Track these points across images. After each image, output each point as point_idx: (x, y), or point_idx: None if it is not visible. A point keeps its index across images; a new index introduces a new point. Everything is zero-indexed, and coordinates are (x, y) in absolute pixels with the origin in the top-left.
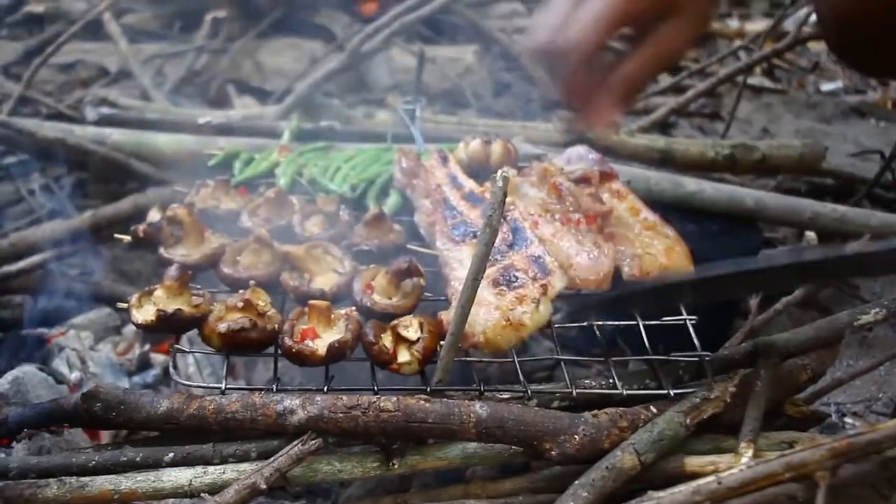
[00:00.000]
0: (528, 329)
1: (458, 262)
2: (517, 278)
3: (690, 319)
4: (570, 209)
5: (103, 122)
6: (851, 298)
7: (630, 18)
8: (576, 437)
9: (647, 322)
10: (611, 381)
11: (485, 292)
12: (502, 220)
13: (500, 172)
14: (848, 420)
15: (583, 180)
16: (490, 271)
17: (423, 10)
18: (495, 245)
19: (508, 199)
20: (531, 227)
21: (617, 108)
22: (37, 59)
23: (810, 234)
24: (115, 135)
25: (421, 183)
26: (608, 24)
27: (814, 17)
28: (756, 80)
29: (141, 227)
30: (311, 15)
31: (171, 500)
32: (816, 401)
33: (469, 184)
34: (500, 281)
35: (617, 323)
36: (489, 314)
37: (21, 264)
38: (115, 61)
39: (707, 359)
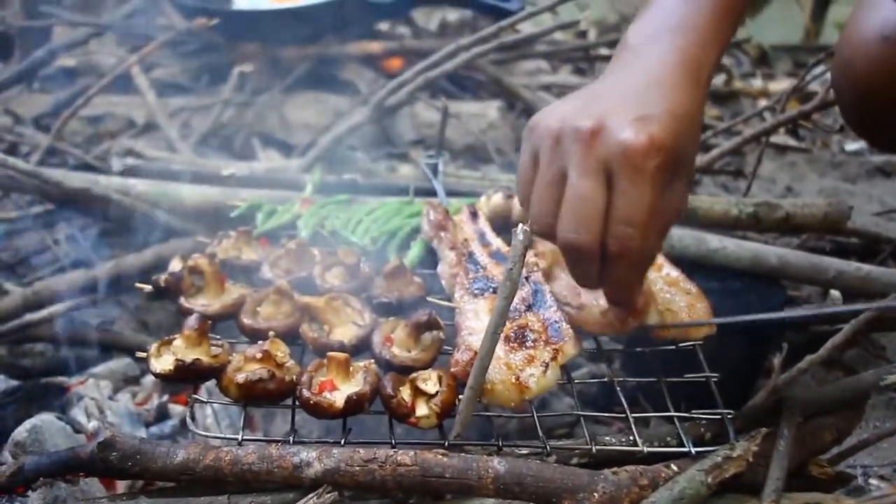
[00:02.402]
0: (532, 392)
1: (474, 313)
2: (530, 338)
3: (713, 376)
4: None
5: (128, 172)
6: (877, 359)
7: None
8: (595, 494)
9: (668, 379)
10: (631, 438)
11: (497, 347)
12: (525, 281)
13: (520, 227)
14: (874, 482)
15: None
16: (505, 327)
17: (446, 65)
18: (514, 305)
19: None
20: (574, 298)
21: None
22: (66, 111)
23: (835, 293)
24: (140, 185)
25: (448, 236)
26: (656, 213)
27: None
28: (780, 138)
29: (162, 277)
30: (337, 70)
31: None
32: (842, 462)
33: (497, 242)
34: (513, 338)
35: (638, 379)
36: (498, 369)
37: (44, 313)
38: (143, 114)
39: (729, 417)
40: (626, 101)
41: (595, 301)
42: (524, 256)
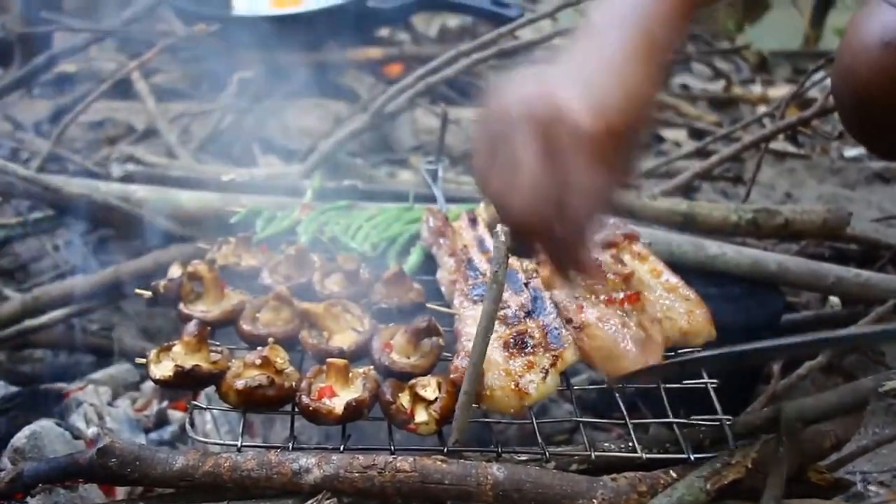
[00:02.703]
0: (531, 399)
1: (473, 319)
2: (529, 344)
3: (712, 383)
4: (613, 289)
5: (128, 178)
6: (876, 365)
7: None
8: (594, 500)
9: (667, 385)
10: (630, 444)
11: (496, 353)
12: (524, 288)
13: (500, 227)
14: (873, 489)
15: (610, 246)
16: (503, 333)
17: (446, 71)
18: (513, 311)
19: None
20: (576, 311)
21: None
22: (66, 116)
23: (834, 299)
24: (140, 191)
25: (447, 242)
26: (607, 191)
27: None
28: (779, 144)
29: (162, 283)
30: (337, 76)
31: None
32: (841, 468)
33: None
34: (512, 344)
35: (637, 385)
36: (497, 375)
37: (43, 319)
38: (143, 119)
39: (728, 423)
40: (585, 85)
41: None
42: (507, 258)
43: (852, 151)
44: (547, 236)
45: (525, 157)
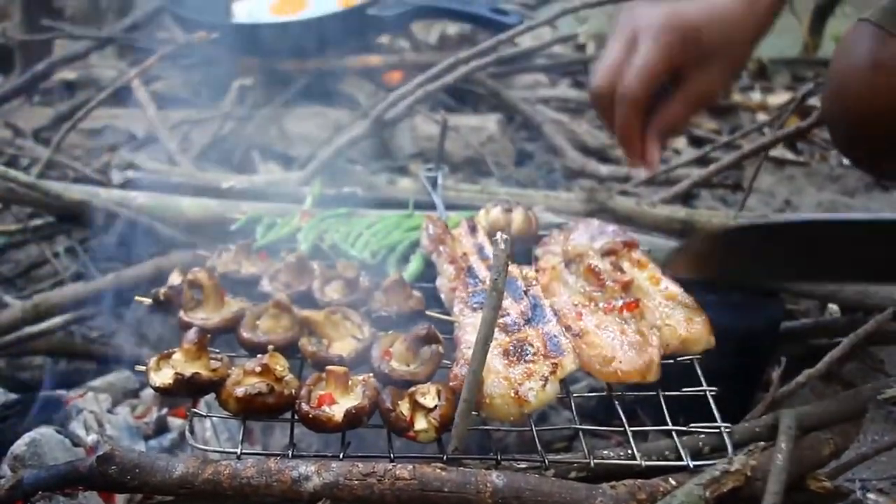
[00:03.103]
0: (531, 406)
1: (473, 327)
2: (529, 352)
3: (711, 390)
4: (612, 296)
5: (129, 185)
6: (876, 372)
7: (674, 66)
8: None
9: (667, 393)
10: (629, 452)
11: (495, 360)
12: (524, 295)
13: (500, 235)
14: (872, 496)
15: (609, 254)
16: (503, 341)
17: (446, 79)
18: (513, 318)
19: (556, 287)
20: (575, 318)
21: (659, 146)
22: (66, 123)
23: (833, 307)
24: (140, 198)
25: (447, 250)
26: (655, 73)
27: None
28: (778, 152)
29: (162, 291)
30: (337, 83)
31: None
32: (840, 476)
33: None
34: (512, 352)
35: (636, 393)
36: (497, 383)
37: (43, 326)
38: (143, 127)
39: (727, 431)
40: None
41: (595, 327)
42: (507, 266)
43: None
44: (605, 103)
45: (614, 40)
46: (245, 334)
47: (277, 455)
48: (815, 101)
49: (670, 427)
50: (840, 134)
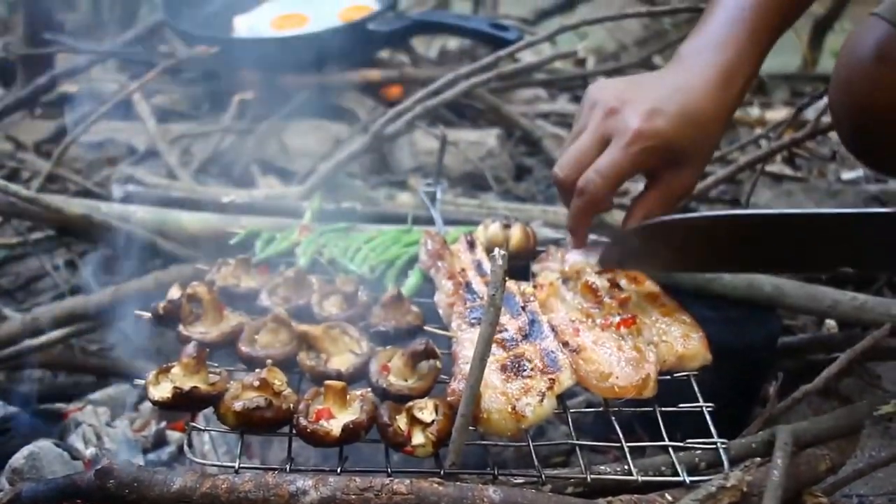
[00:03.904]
0: (528, 421)
1: (471, 342)
2: (526, 368)
3: (707, 406)
4: (609, 312)
5: (129, 199)
6: (873, 388)
7: (641, 170)
8: None
9: (663, 408)
10: (626, 467)
11: (493, 376)
12: (521, 311)
13: (497, 251)
14: None
15: (607, 270)
16: (501, 356)
17: (445, 94)
18: (511, 334)
19: (554, 303)
20: (572, 334)
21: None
22: (67, 137)
23: (830, 323)
24: (140, 212)
25: (445, 265)
26: (621, 179)
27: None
28: (776, 167)
29: (161, 305)
30: (337, 98)
31: None
32: (837, 492)
33: None
34: (509, 367)
35: (633, 409)
36: (495, 398)
37: (43, 339)
38: (144, 140)
39: (724, 446)
40: (652, 95)
41: (592, 343)
42: (504, 282)
43: (849, 174)
44: (566, 192)
45: (586, 129)
46: (243, 348)
47: (275, 469)
48: (811, 114)
49: (667, 443)
50: (844, 127)
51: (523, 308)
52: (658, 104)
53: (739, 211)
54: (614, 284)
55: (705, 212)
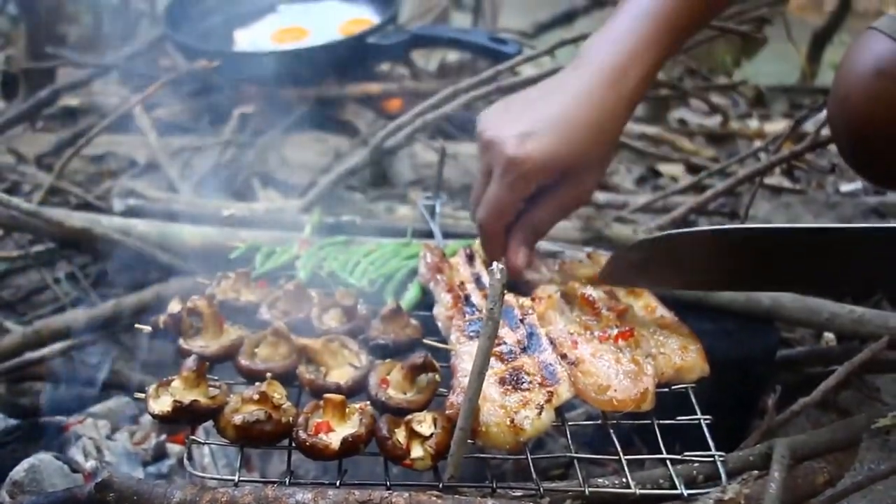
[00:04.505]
0: (527, 434)
1: (469, 355)
2: (525, 380)
3: (705, 419)
4: (607, 325)
5: (130, 212)
6: (871, 401)
7: (523, 196)
8: None
9: (661, 421)
10: (624, 480)
11: (491, 389)
12: (520, 324)
13: (496, 265)
14: None
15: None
16: (499, 369)
17: (445, 107)
18: (509, 347)
19: (552, 316)
20: (570, 347)
21: (524, 259)
22: (69, 150)
23: (828, 335)
24: (141, 225)
25: (444, 278)
26: (504, 208)
27: None
28: (775, 179)
29: (161, 318)
30: (336, 111)
31: None
32: None
33: None
34: (508, 380)
35: (631, 422)
36: (493, 411)
37: (43, 351)
38: (145, 153)
39: (721, 459)
40: (526, 116)
41: (590, 355)
42: (503, 295)
43: (848, 186)
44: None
45: (479, 169)
46: (243, 362)
47: (275, 482)
48: (810, 127)
49: (665, 455)
50: (843, 141)
51: (522, 321)
52: (530, 126)
53: (747, 226)
54: (612, 297)
55: (709, 226)
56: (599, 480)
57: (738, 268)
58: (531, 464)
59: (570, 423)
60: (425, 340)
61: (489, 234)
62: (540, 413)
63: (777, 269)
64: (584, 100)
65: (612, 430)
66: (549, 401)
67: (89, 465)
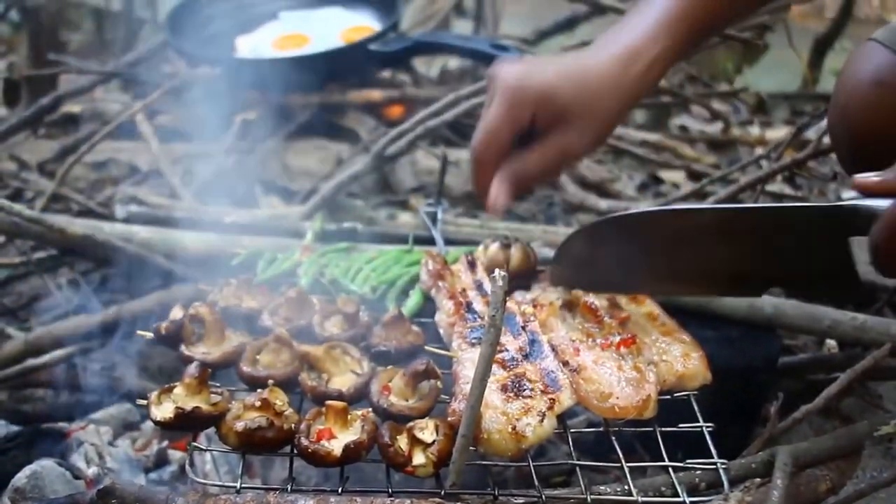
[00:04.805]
0: (529, 441)
1: (471, 362)
2: (527, 387)
3: (708, 426)
4: (609, 332)
5: (132, 219)
6: (874, 408)
7: (522, 126)
8: None
9: (663, 428)
10: (626, 487)
11: (493, 396)
12: (521, 331)
13: (498, 272)
14: None
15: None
16: (501, 376)
17: (447, 115)
18: (511, 354)
19: (554, 323)
20: (572, 354)
21: (504, 197)
22: (71, 157)
23: (830, 342)
24: (143, 232)
25: (446, 285)
26: (497, 133)
27: None
28: (776, 187)
29: (163, 325)
30: (338, 118)
31: None
32: None
33: None
34: (510, 387)
35: (633, 429)
36: (495, 418)
37: (45, 358)
38: (146, 160)
39: (723, 466)
40: (537, 60)
41: (592, 363)
42: (505, 302)
43: (850, 194)
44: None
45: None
46: (245, 369)
47: (276, 489)
48: (811, 134)
49: (667, 463)
50: (843, 149)
51: (524, 328)
52: (539, 64)
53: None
54: (614, 304)
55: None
56: (601, 488)
57: (665, 254)
58: (533, 471)
59: (572, 431)
60: (427, 347)
61: (479, 161)
62: (542, 420)
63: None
64: (593, 64)
65: (614, 438)
66: (550, 408)
67: (91, 471)
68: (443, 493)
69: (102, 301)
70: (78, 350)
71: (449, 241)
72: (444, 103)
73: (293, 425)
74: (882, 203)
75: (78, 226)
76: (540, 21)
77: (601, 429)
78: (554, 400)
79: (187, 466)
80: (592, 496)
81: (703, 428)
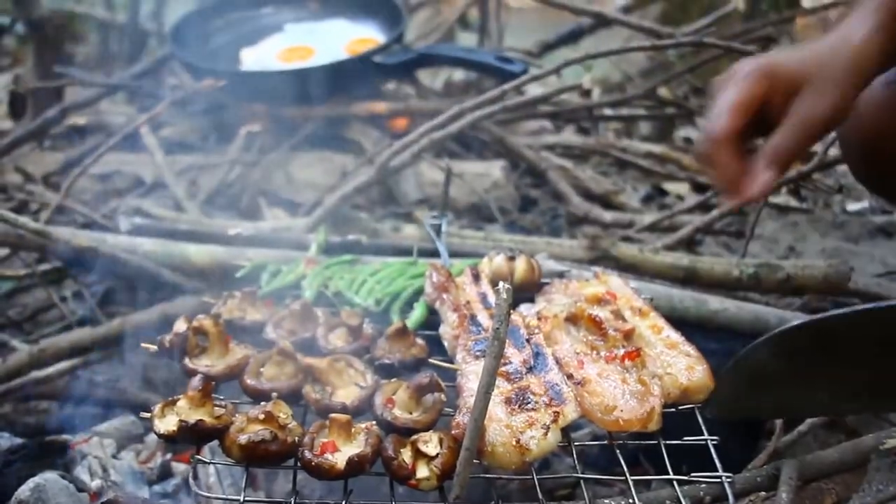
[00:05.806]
0: (532, 455)
1: (475, 374)
2: (531, 400)
3: (712, 440)
4: (613, 345)
5: (136, 231)
6: (880, 421)
7: (759, 100)
8: None
9: (668, 441)
10: (630, 500)
11: (497, 409)
12: (526, 344)
13: (502, 284)
14: None
15: (603, 301)
16: (505, 389)
17: (451, 127)
18: (515, 367)
19: (558, 335)
20: (577, 367)
21: (767, 176)
22: (76, 169)
23: None
24: (147, 244)
25: (450, 298)
26: (739, 106)
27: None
28: (782, 198)
29: (167, 337)
30: (343, 130)
31: None
32: None
33: None
34: (514, 400)
35: (638, 442)
36: (499, 431)
37: (49, 370)
38: (151, 172)
39: (728, 480)
40: (773, 54)
41: (597, 375)
42: (509, 314)
43: (855, 205)
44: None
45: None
46: (249, 381)
47: (280, 502)
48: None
49: (672, 476)
50: (853, 155)
51: (528, 340)
52: (771, 57)
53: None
54: (619, 317)
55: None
56: (606, 501)
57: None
58: (537, 484)
59: (576, 444)
60: (431, 360)
61: (720, 142)
62: (546, 433)
63: None
64: (811, 44)
65: (618, 451)
66: (555, 421)
67: (95, 484)
68: None
69: (106, 313)
70: (82, 362)
71: (453, 254)
72: (448, 115)
73: (297, 438)
74: None
75: (82, 238)
76: (544, 33)
77: (605, 442)
78: (558, 413)
79: (191, 479)
80: None
81: (708, 441)
